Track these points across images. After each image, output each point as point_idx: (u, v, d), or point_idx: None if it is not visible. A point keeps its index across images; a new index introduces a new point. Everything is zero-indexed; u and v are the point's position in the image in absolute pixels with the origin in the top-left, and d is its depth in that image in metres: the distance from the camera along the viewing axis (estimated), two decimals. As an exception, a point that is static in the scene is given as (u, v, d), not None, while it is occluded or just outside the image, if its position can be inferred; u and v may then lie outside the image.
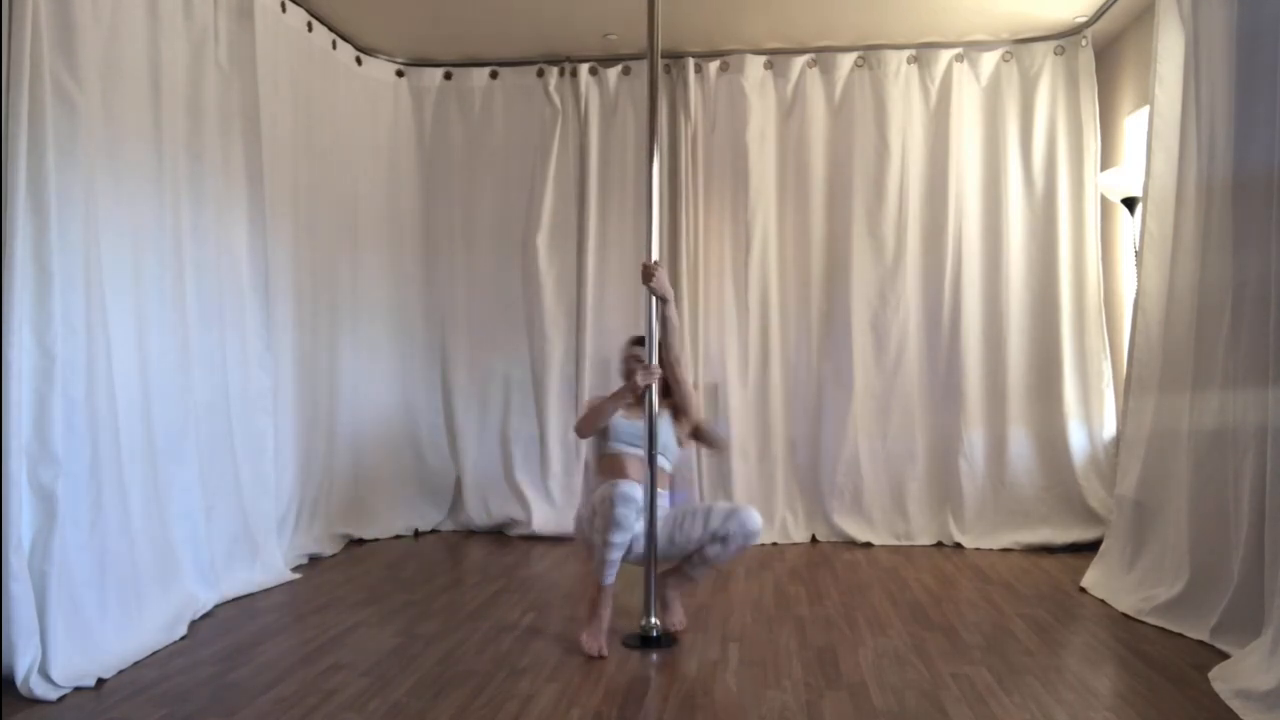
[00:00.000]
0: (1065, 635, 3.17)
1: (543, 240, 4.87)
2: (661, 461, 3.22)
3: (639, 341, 3.31)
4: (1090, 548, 4.09)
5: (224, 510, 3.57)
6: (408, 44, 4.86)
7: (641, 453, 3.18)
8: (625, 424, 3.30)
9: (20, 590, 2.56)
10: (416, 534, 4.82)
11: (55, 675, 2.58)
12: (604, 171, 4.90)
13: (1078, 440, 4.51)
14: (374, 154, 4.88)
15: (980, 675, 2.77)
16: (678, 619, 3.24)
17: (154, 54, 3.26)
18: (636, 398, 3.21)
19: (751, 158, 4.71)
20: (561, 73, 4.92)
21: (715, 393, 4.76)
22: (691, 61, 4.80)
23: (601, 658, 2.94)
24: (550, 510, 4.78)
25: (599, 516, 3.02)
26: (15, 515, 2.58)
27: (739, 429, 4.72)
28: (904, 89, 4.71)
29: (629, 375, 3.27)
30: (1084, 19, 4.42)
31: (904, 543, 4.60)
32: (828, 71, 4.78)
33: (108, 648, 2.78)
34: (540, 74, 4.93)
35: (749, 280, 4.76)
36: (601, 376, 4.88)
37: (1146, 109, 3.76)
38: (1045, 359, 4.59)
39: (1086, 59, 4.55)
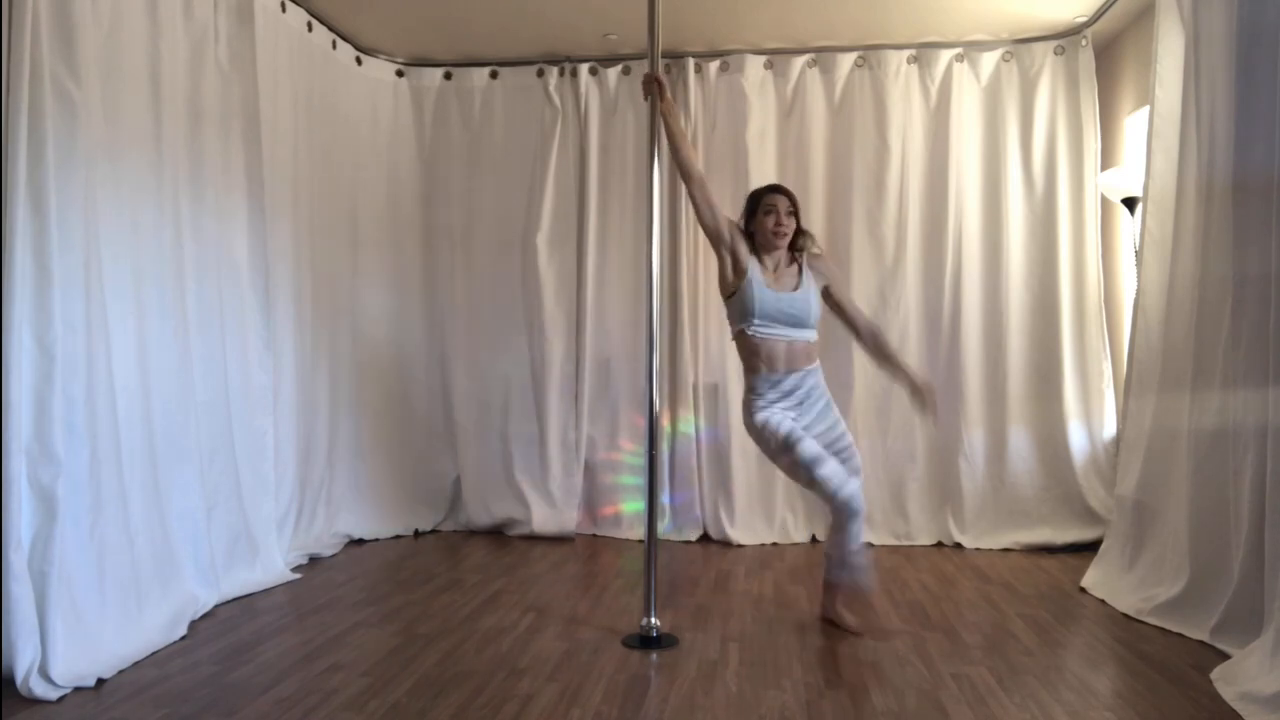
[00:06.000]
0: (1065, 635, 3.18)
1: (543, 240, 4.87)
2: (807, 335, 3.16)
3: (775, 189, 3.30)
4: (1090, 548, 4.09)
5: (224, 510, 3.57)
6: (408, 44, 4.86)
7: (792, 335, 3.11)
8: (771, 295, 3.12)
9: (20, 590, 2.56)
10: (416, 534, 4.82)
11: (55, 675, 2.58)
12: (604, 171, 4.90)
13: (1078, 440, 4.51)
14: (374, 154, 4.88)
15: (980, 675, 2.77)
16: (851, 621, 3.21)
17: (154, 54, 3.26)
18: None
19: (751, 158, 4.71)
20: (561, 73, 4.92)
21: (716, 392, 4.76)
22: (691, 61, 4.80)
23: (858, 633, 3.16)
24: (550, 510, 4.78)
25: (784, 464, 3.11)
26: (15, 515, 2.58)
27: (739, 428, 4.71)
28: (904, 89, 4.70)
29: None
30: (1084, 19, 4.42)
31: (904, 543, 4.60)
32: (828, 71, 4.78)
33: (108, 648, 2.78)
34: (540, 74, 4.93)
35: (749, 280, 4.75)
36: (602, 376, 4.88)
37: (1146, 109, 3.76)
38: (1045, 359, 4.59)
39: (1086, 59, 4.55)
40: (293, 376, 4.17)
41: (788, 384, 3.14)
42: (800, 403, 3.16)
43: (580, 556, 4.40)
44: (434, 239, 5.01)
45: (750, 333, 3.14)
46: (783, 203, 3.20)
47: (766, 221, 3.18)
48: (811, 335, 3.21)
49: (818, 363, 3.24)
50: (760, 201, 3.23)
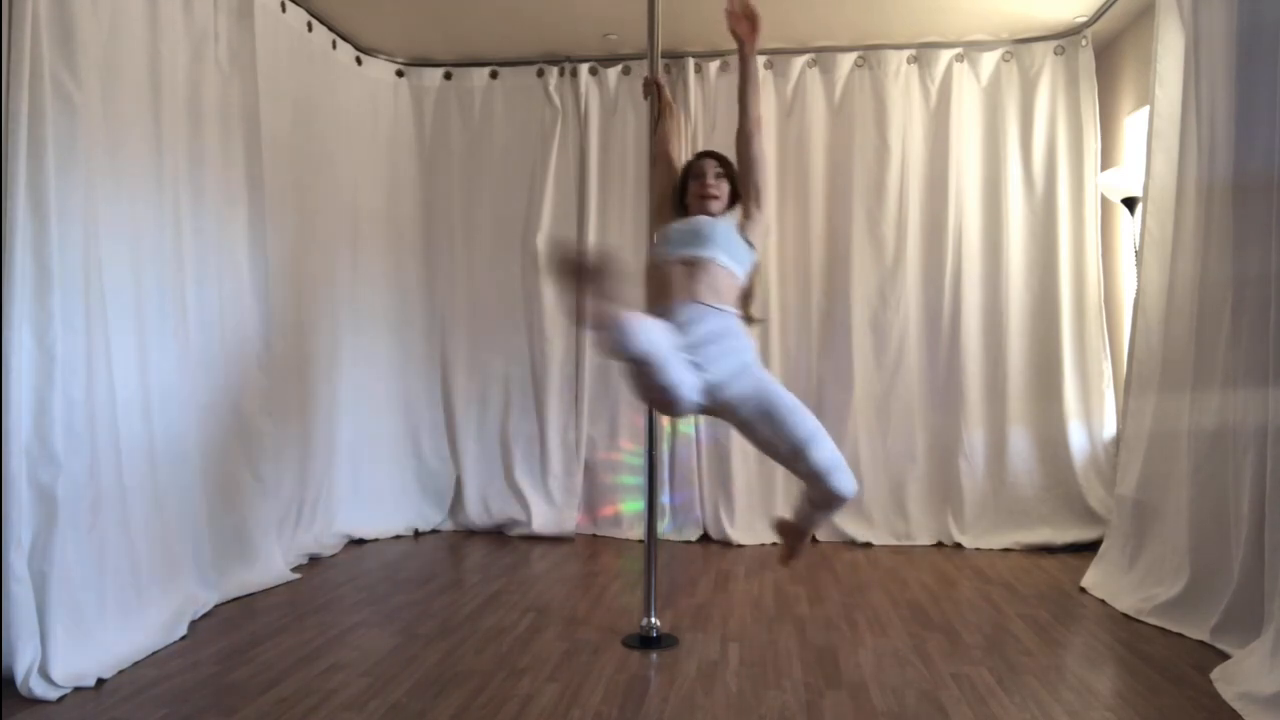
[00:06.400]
0: (1065, 635, 3.18)
1: (543, 240, 4.87)
2: (725, 262, 2.68)
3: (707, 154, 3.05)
4: (1090, 548, 4.09)
5: (224, 510, 3.57)
6: (408, 44, 4.86)
7: (692, 253, 2.64)
8: (679, 224, 2.84)
9: (20, 590, 2.56)
10: (416, 534, 4.82)
11: (55, 675, 2.58)
12: (604, 171, 4.90)
13: (1078, 440, 4.51)
14: (374, 154, 4.88)
15: (980, 675, 2.77)
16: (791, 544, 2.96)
17: (154, 54, 3.26)
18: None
19: (751, 158, 4.70)
20: (561, 73, 4.92)
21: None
22: (691, 61, 4.80)
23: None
24: (550, 510, 4.78)
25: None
26: (15, 515, 2.58)
27: (739, 429, 4.72)
28: (904, 89, 4.70)
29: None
30: (1084, 19, 4.42)
31: (904, 543, 4.59)
32: (828, 71, 4.78)
33: (108, 648, 2.78)
34: (540, 74, 4.93)
35: (749, 280, 4.75)
36: (601, 376, 4.88)
37: (1146, 109, 3.76)
38: (1045, 359, 4.59)
39: (1086, 59, 4.55)
40: (293, 377, 4.17)
41: (683, 315, 2.56)
42: (699, 345, 2.48)
43: (580, 556, 4.40)
44: (434, 239, 5.01)
45: (653, 264, 2.82)
46: (711, 165, 3.00)
47: (694, 187, 2.97)
48: (718, 257, 2.70)
49: (735, 312, 2.71)
50: (690, 169, 3.08)
